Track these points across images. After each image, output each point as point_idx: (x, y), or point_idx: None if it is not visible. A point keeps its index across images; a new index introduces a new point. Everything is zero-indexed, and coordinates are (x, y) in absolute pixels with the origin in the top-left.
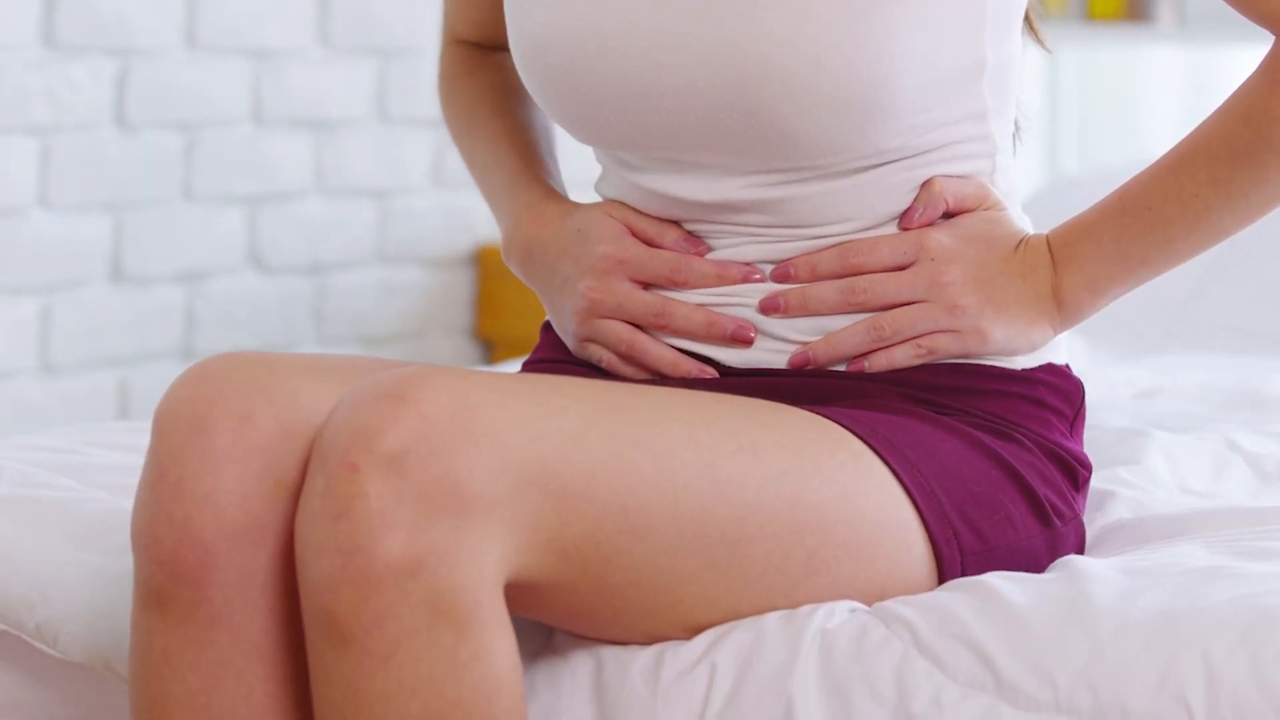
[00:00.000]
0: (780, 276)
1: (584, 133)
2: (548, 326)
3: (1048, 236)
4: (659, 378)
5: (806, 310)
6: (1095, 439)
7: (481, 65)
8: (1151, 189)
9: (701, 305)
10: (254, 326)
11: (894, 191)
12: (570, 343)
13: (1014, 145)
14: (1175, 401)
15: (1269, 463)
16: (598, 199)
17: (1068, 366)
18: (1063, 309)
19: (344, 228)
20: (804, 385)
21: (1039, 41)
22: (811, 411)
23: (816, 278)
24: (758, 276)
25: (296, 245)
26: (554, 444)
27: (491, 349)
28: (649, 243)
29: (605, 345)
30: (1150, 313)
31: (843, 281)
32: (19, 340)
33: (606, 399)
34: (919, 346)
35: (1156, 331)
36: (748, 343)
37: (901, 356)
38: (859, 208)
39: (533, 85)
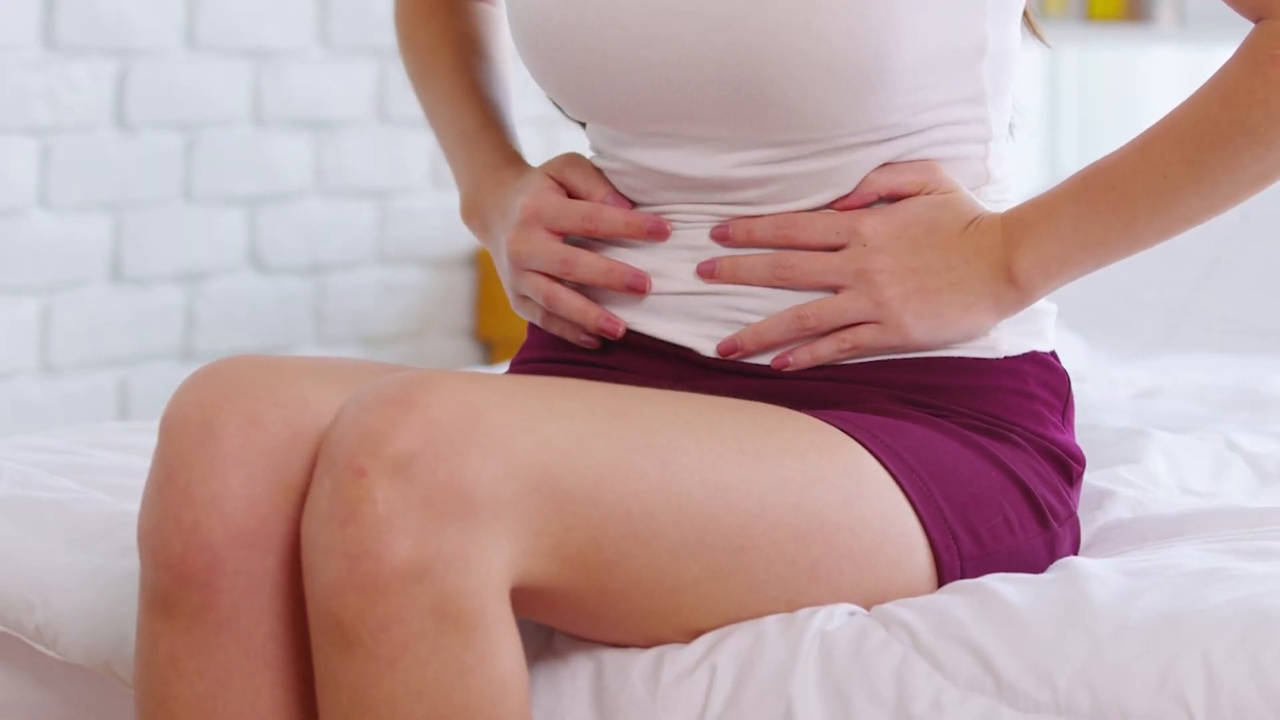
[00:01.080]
0: (718, 236)
1: (579, 106)
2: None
3: (1003, 216)
4: (578, 336)
5: (737, 278)
6: (1095, 439)
7: (442, 9)
8: (1118, 168)
9: (640, 271)
10: (254, 327)
11: None
12: (510, 300)
13: (1010, 136)
14: (1175, 401)
15: (1269, 463)
16: None
17: (1054, 355)
18: (1015, 289)
19: (344, 228)
20: (799, 389)
21: (1037, 35)
22: (810, 416)
23: (751, 242)
24: (668, 227)
25: (296, 245)
26: (559, 449)
27: (491, 349)
28: (574, 196)
29: (533, 298)
30: (1150, 312)
31: (773, 255)
32: (19, 340)
33: (612, 403)
34: (843, 341)
35: (1156, 330)
36: (642, 292)
37: (825, 351)
38: (852, 187)
39: (529, 58)
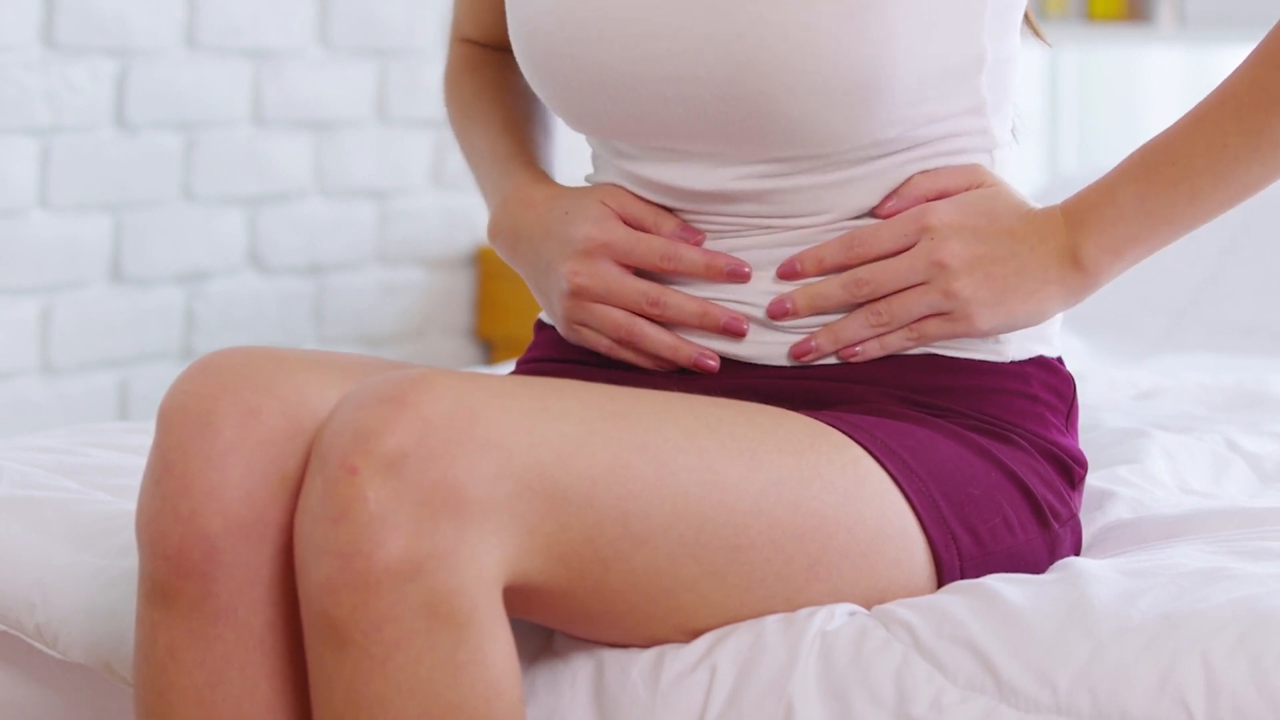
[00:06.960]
0: (786, 274)
1: (580, 121)
2: (541, 325)
3: (1061, 205)
4: (659, 365)
5: (814, 309)
6: (1095, 439)
7: (485, 63)
8: (1176, 143)
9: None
10: (254, 327)
11: (892, 185)
12: (560, 326)
13: (1014, 139)
14: (1175, 401)
15: (1269, 463)
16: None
17: (1060, 360)
18: (1082, 273)
19: (344, 228)
20: (801, 389)
21: (1038, 35)
22: (810, 416)
23: (823, 271)
24: (746, 270)
25: (296, 245)
26: (555, 449)
27: (491, 349)
28: (644, 230)
29: (600, 330)
30: (1152, 315)
31: (845, 276)
32: (19, 340)
33: (609, 404)
34: (910, 331)
35: (1158, 331)
36: (740, 334)
37: (894, 342)
38: (857, 200)
39: (530, 72)
